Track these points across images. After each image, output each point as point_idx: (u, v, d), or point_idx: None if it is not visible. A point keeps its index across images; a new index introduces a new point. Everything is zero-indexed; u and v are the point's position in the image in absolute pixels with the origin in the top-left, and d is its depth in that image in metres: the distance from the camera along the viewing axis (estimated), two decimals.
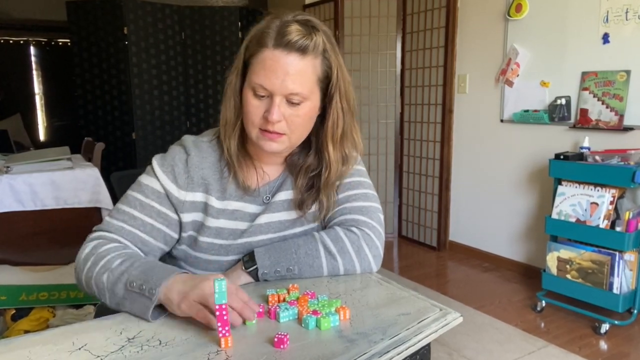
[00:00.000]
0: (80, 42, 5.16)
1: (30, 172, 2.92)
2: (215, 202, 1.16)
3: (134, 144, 5.03)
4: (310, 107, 1.10)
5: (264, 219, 1.19)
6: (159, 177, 1.14)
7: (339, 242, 1.15)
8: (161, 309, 0.96)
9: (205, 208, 1.16)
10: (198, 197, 1.15)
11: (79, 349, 0.84)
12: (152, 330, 0.90)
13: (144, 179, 1.16)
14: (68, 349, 0.84)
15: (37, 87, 7.44)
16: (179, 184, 1.14)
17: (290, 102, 1.06)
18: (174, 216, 1.15)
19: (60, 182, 2.93)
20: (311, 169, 1.20)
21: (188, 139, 1.21)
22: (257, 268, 1.11)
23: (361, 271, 1.16)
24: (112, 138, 5.21)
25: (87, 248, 1.08)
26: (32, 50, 7.31)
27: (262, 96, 1.06)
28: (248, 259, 1.13)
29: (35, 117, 7.47)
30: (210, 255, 1.17)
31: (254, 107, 1.07)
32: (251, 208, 1.19)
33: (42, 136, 7.56)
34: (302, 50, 1.04)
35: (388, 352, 0.82)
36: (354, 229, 1.18)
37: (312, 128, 1.16)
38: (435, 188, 4.22)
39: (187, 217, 1.16)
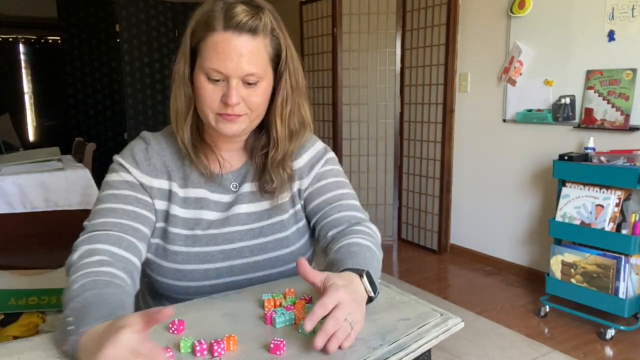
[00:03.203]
0: (71, 39, 5.16)
1: (19, 173, 2.91)
2: (179, 190, 1.17)
3: (126, 144, 5.03)
4: (266, 87, 1.12)
5: (236, 210, 1.20)
6: (124, 168, 1.15)
7: (377, 240, 1.18)
8: None
9: (169, 196, 1.17)
10: (163, 184, 1.16)
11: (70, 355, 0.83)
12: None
13: (109, 177, 1.16)
14: (58, 355, 0.83)
15: (27, 86, 7.43)
16: (143, 170, 1.15)
17: (246, 83, 1.08)
18: (150, 200, 1.15)
19: (50, 184, 2.93)
20: (263, 147, 1.22)
21: (146, 133, 1.24)
22: (378, 293, 1.02)
23: None
24: (104, 138, 5.21)
25: (74, 255, 1.03)
26: (22, 48, 7.29)
27: (217, 80, 1.07)
28: (369, 282, 1.00)
29: (25, 117, 7.46)
30: (178, 247, 1.16)
31: (210, 92, 1.08)
32: (217, 197, 1.20)
33: (31, 136, 7.55)
34: (253, 31, 1.05)
35: (387, 358, 0.82)
36: (364, 227, 1.20)
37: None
38: (435, 190, 4.23)
39: (157, 205, 1.16)
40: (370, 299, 0.99)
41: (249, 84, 1.08)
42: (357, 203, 1.27)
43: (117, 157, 1.18)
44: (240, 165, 1.24)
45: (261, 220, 1.22)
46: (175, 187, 1.17)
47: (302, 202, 1.27)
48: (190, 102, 1.13)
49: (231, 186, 1.22)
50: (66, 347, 0.82)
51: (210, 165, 1.20)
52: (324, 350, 0.84)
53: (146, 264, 1.19)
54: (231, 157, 1.23)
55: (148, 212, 1.13)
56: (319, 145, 1.31)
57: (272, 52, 1.11)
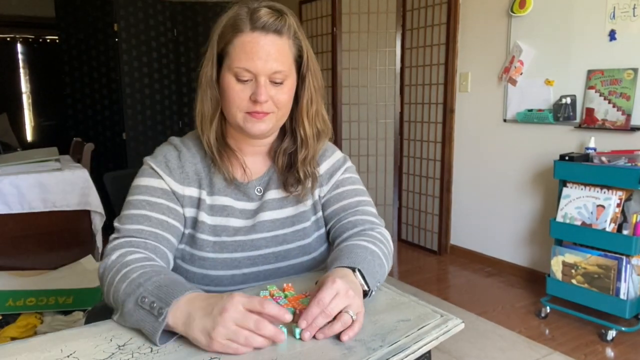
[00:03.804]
0: (69, 39, 5.15)
1: (17, 173, 2.91)
2: (206, 197, 1.20)
3: (125, 145, 5.02)
4: (291, 85, 1.17)
5: (261, 217, 1.22)
6: (157, 174, 1.18)
7: (385, 245, 1.20)
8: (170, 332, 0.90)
9: (198, 203, 1.19)
10: (193, 192, 1.19)
11: (68, 356, 0.83)
12: (143, 337, 0.90)
13: (142, 181, 1.18)
14: (56, 356, 0.83)
15: (24, 86, 7.42)
16: (176, 178, 1.18)
17: (273, 82, 1.12)
18: (181, 210, 1.18)
19: (48, 184, 2.93)
20: (289, 149, 1.26)
21: (175, 138, 1.27)
22: (369, 290, 1.05)
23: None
24: (102, 138, 5.20)
25: (113, 255, 1.06)
26: (19, 47, 7.28)
27: (246, 80, 1.11)
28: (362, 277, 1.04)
29: (23, 116, 7.44)
30: (206, 253, 1.18)
31: (239, 91, 1.12)
32: (242, 205, 1.23)
33: (29, 136, 7.54)
34: (279, 31, 1.11)
35: (388, 359, 0.82)
36: (375, 232, 1.23)
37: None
38: (436, 190, 4.23)
39: (187, 212, 1.19)
40: (364, 295, 1.03)
41: (276, 83, 1.12)
42: (373, 210, 1.31)
43: (150, 162, 1.20)
44: (264, 171, 1.27)
45: (284, 227, 1.25)
46: (204, 195, 1.19)
47: (321, 208, 1.31)
48: (217, 105, 1.17)
49: (255, 191, 1.24)
50: (151, 326, 0.87)
51: (233, 171, 1.22)
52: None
53: (174, 269, 1.21)
54: (255, 163, 1.26)
55: (177, 222, 1.17)
56: (339, 154, 1.35)
57: (295, 53, 1.16)
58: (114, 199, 1.49)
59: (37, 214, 2.94)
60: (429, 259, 4.20)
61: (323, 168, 1.30)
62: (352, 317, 0.90)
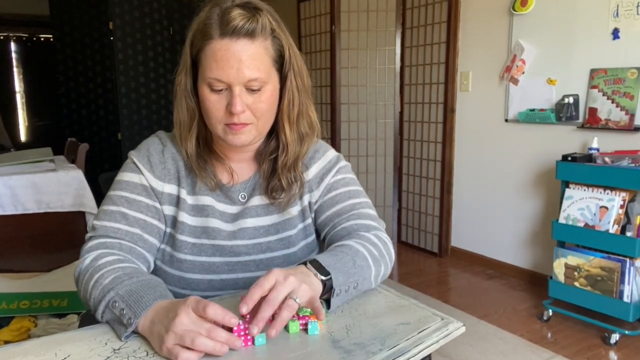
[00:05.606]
0: (64, 37, 5.16)
1: (10, 174, 2.91)
2: (187, 197, 1.17)
3: (120, 145, 5.03)
4: (272, 91, 1.10)
5: (243, 224, 1.19)
6: (139, 169, 1.17)
7: (376, 246, 1.13)
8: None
9: (177, 202, 1.17)
10: (173, 189, 1.17)
11: None
12: (138, 340, 0.90)
13: (124, 175, 1.18)
14: None
15: (18, 85, 7.42)
16: (156, 174, 1.16)
17: (250, 90, 1.06)
18: (159, 206, 1.17)
19: (42, 185, 2.92)
20: (273, 152, 1.20)
21: (162, 132, 1.26)
22: (331, 279, 0.98)
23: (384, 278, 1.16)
24: (97, 138, 5.21)
25: (87, 259, 1.06)
26: (13, 46, 7.29)
27: (220, 90, 1.06)
28: (317, 267, 0.99)
29: (16, 116, 7.45)
30: (184, 255, 1.17)
31: (214, 102, 1.07)
32: (223, 207, 1.20)
33: (23, 137, 7.54)
34: (251, 34, 1.04)
35: None
36: (370, 234, 1.16)
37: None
38: (436, 191, 4.23)
39: (165, 210, 1.17)
40: (328, 289, 0.98)
41: (253, 90, 1.06)
42: (371, 212, 1.24)
43: (133, 156, 1.19)
44: (250, 175, 1.22)
45: (268, 235, 1.21)
46: (184, 194, 1.17)
47: (313, 215, 1.25)
48: (193, 114, 1.14)
49: (239, 197, 1.21)
50: (124, 332, 0.89)
51: (219, 176, 1.19)
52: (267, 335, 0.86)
53: (154, 271, 1.20)
54: (241, 168, 1.22)
55: (157, 220, 1.16)
56: (330, 154, 1.27)
57: (275, 54, 1.09)
58: None
59: (31, 215, 2.93)
60: (429, 261, 4.20)
61: (312, 172, 1.24)
62: (296, 300, 0.87)
